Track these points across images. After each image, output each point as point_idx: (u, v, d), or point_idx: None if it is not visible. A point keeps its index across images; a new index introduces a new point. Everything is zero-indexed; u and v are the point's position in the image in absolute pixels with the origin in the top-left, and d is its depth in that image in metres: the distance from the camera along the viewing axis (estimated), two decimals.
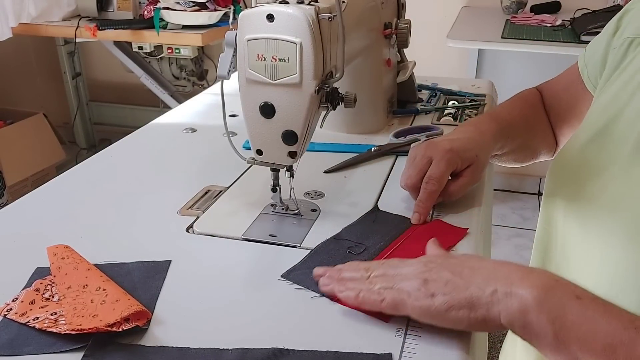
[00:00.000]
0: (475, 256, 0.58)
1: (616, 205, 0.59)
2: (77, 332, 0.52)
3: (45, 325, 0.53)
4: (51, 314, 0.55)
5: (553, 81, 0.87)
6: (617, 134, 0.63)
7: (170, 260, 0.64)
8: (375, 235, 0.67)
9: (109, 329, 0.52)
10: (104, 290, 0.57)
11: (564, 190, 0.70)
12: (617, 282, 0.57)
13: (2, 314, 0.55)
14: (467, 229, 0.68)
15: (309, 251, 0.65)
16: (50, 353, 0.51)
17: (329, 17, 0.63)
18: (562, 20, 2.15)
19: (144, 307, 0.55)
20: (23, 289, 0.59)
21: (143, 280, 0.60)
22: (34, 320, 0.54)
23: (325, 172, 0.84)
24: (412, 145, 0.76)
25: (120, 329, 0.52)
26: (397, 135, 0.93)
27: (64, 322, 0.54)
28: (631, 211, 0.57)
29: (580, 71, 0.78)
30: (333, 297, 0.57)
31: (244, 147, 0.73)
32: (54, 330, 0.52)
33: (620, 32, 0.71)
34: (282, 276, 0.61)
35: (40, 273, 0.61)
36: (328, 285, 0.57)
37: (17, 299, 0.57)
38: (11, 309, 0.56)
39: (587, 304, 0.45)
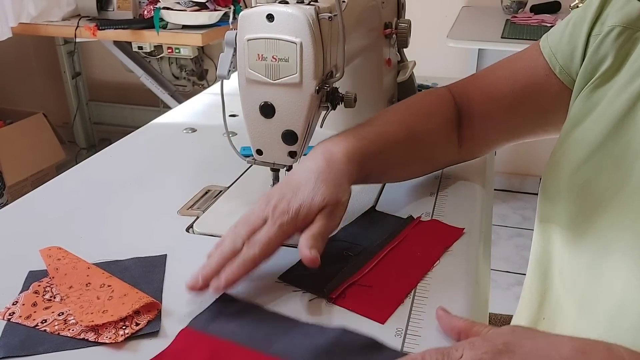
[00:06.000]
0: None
1: (634, 243, 0.55)
2: (91, 328, 0.52)
3: (56, 327, 0.53)
4: (58, 314, 0.55)
5: (485, 72, 0.78)
6: (617, 154, 0.59)
7: (166, 255, 0.64)
8: (372, 236, 0.67)
9: (122, 322, 0.53)
10: (109, 286, 0.57)
11: (562, 216, 0.65)
12: None
13: (5, 318, 0.55)
14: (464, 229, 0.68)
15: None
16: (67, 350, 0.51)
17: (329, 17, 0.63)
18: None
19: (153, 298, 0.56)
20: (21, 292, 0.59)
21: (143, 274, 0.61)
22: (42, 323, 0.54)
23: None
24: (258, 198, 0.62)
25: (133, 323, 0.53)
26: None
27: (73, 321, 0.54)
28: None
29: (549, 61, 0.71)
30: (331, 298, 0.57)
31: (242, 153, 0.73)
32: (67, 334, 0.53)
33: (603, 17, 0.66)
34: (279, 278, 0.60)
35: (35, 276, 0.61)
36: None
37: (17, 302, 0.57)
38: (14, 313, 0.55)
39: None
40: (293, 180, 0.62)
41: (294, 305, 0.57)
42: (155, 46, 2.53)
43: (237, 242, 0.56)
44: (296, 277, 0.60)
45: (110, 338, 0.52)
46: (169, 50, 2.52)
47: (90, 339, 0.52)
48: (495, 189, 2.04)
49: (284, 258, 0.64)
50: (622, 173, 0.59)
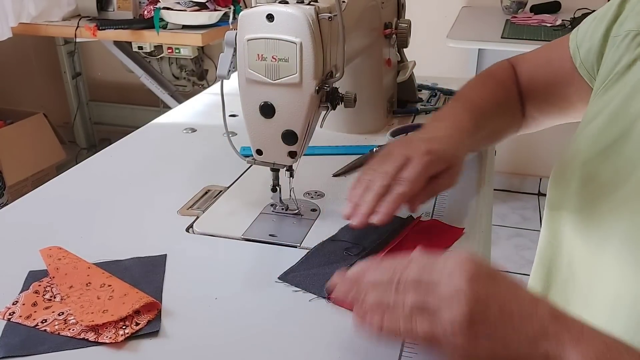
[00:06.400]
0: (522, 287, 0.46)
1: (632, 231, 0.56)
2: (91, 328, 0.53)
3: (57, 327, 0.54)
4: (59, 314, 0.55)
5: (531, 55, 0.84)
6: (627, 152, 0.60)
7: (166, 255, 0.64)
8: (372, 236, 0.67)
9: (122, 322, 0.53)
10: (109, 286, 0.57)
11: (570, 204, 0.67)
12: (638, 312, 0.54)
13: (5, 318, 0.55)
14: (464, 228, 0.68)
15: (307, 251, 0.65)
16: (67, 349, 0.51)
17: (329, 17, 0.63)
18: (562, 20, 2.15)
19: (153, 298, 0.56)
20: (21, 292, 0.59)
21: (143, 274, 0.61)
22: (42, 322, 0.54)
23: (334, 175, 0.83)
24: (387, 143, 0.70)
25: (133, 322, 0.53)
26: (393, 134, 0.93)
27: (74, 321, 0.54)
28: None
29: (572, 54, 0.74)
30: (331, 298, 0.57)
31: (242, 153, 0.73)
32: (67, 334, 0.53)
33: (622, 19, 0.67)
34: (279, 278, 0.61)
35: (35, 276, 0.61)
36: (347, 293, 0.49)
37: (17, 302, 0.57)
38: (14, 312, 0.56)
39: None
40: (430, 132, 0.69)
41: (293, 305, 0.57)
42: (155, 46, 2.52)
43: (386, 180, 0.62)
44: (296, 277, 0.60)
45: (110, 338, 0.52)
46: (169, 50, 2.52)
47: (90, 339, 0.52)
48: (495, 189, 2.04)
49: (286, 256, 0.64)
50: (628, 167, 0.60)
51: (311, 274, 0.60)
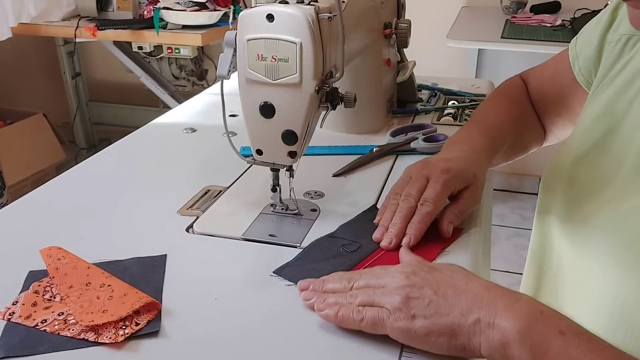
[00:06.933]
0: (461, 272, 0.53)
1: (612, 230, 0.57)
2: (91, 328, 0.53)
3: (56, 327, 0.54)
4: (58, 314, 0.55)
5: (538, 69, 0.85)
6: (613, 151, 0.61)
7: (166, 255, 0.64)
8: (370, 234, 0.67)
9: (122, 322, 0.53)
10: (108, 286, 0.57)
11: (557, 206, 0.68)
12: (617, 311, 0.55)
13: (5, 318, 0.55)
14: (463, 229, 0.68)
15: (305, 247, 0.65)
16: (67, 350, 0.51)
17: (328, 17, 0.63)
18: (562, 20, 2.15)
19: (153, 298, 0.56)
20: (21, 292, 0.59)
21: (143, 274, 0.61)
22: (42, 322, 0.54)
23: (334, 175, 0.83)
24: (407, 167, 0.71)
25: (133, 323, 0.53)
26: (393, 134, 0.93)
27: (73, 321, 0.54)
28: (628, 238, 0.55)
29: (571, 63, 0.76)
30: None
31: (242, 153, 0.73)
32: (67, 334, 0.53)
33: (615, 25, 0.69)
34: (274, 272, 0.61)
35: (35, 276, 0.61)
36: (310, 299, 0.55)
37: (17, 302, 0.57)
38: (14, 313, 0.55)
39: (570, 340, 0.45)
40: (446, 154, 0.71)
41: (285, 299, 0.57)
42: (155, 46, 2.52)
43: (412, 202, 0.65)
44: (290, 272, 0.61)
45: (110, 338, 0.52)
46: (169, 51, 2.52)
47: (90, 339, 0.52)
48: (494, 189, 2.04)
49: (286, 256, 0.64)
50: (614, 166, 0.61)
51: (305, 269, 0.61)
